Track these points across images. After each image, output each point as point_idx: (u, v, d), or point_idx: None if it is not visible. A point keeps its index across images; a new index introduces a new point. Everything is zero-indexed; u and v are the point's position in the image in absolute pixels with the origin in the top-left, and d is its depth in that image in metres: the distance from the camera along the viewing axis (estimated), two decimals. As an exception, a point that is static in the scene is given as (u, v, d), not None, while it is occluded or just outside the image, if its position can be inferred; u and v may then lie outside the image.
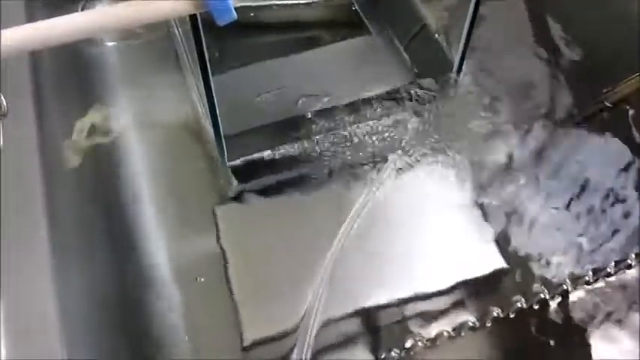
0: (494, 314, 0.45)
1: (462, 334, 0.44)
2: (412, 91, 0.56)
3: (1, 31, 0.29)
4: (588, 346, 0.44)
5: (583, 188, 0.51)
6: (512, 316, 0.45)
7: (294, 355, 0.43)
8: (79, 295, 0.40)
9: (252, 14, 0.61)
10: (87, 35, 0.33)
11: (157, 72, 0.59)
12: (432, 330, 0.44)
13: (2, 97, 0.35)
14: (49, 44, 0.32)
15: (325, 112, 0.55)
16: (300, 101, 0.56)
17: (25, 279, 0.36)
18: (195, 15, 0.37)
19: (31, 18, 0.47)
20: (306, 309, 0.44)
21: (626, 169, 0.52)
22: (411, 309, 0.45)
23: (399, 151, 0.52)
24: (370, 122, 0.54)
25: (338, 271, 0.46)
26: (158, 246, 0.48)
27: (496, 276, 0.47)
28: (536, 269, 0.47)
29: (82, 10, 0.58)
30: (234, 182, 0.51)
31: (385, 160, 0.52)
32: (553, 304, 0.46)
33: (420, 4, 0.60)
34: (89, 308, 0.41)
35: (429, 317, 0.45)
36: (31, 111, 0.42)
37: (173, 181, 0.52)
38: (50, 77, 0.48)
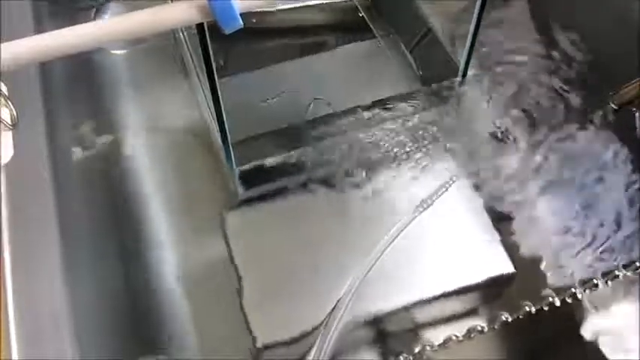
0: (503, 318, 0.45)
1: (471, 338, 0.44)
2: (418, 95, 0.56)
3: (3, 44, 0.30)
4: (597, 349, 0.44)
5: (590, 192, 0.51)
6: (521, 319, 0.45)
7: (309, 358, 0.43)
8: (89, 295, 0.40)
9: (253, 20, 0.62)
10: (95, 46, 0.33)
11: (164, 78, 0.59)
12: (441, 334, 0.44)
13: (13, 107, 0.36)
14: (57, 55, 0.32)
15: (331, 117, 0.55)
16: (307, 106, 0.56)
17: (36, 280, 0.36)
18: (202, 23, 0.38)
19: (38, 28, 0.48)
20: (328, 314, 0.44)
21: (633, 172, 0.52)
22: (419, 314, 0.45)
23: (455, 176, 0.51)
24: (376, 126, 0.54)
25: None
26: (167, 250, 0.48)
27: (505, 280, 0.47)
28: (545, 273, 0.47)
29: (94, 19, 0.59)
30: (242, 187, 0.52)
31: (388, 162, 0.52)
32: (562, 308, 0.45)
33: (425, 8, 0.60)
34: (100, 309, 0.41)
35: (438, 322, 0.45)
36: (41, 119, 0.42)
37: (181, 186, 0.52)
38: (59, 85, 0.48)
